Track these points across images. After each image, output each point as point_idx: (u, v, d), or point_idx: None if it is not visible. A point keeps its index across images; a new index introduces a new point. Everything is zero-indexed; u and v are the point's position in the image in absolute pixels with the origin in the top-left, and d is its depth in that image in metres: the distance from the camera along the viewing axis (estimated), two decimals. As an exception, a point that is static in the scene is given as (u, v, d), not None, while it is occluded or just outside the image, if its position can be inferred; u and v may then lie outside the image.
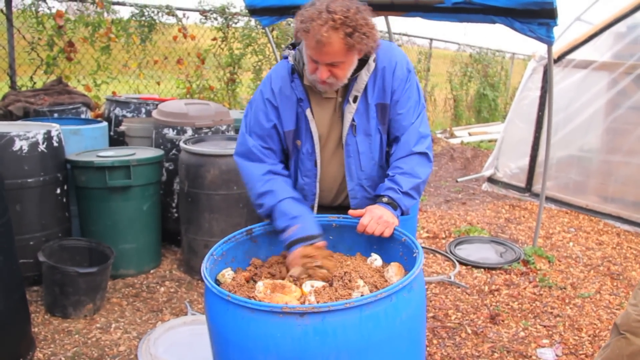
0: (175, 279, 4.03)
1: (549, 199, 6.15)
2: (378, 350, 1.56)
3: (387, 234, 1.94)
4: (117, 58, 6.33)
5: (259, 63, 7.58)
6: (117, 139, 4.87)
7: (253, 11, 5.38)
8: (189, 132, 4.36)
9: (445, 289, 4.02)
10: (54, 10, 5.41)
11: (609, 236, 5.30)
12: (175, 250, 4.55)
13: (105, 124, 4.53)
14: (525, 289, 4.04)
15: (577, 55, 5.99)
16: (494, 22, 3.89)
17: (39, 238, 3.63)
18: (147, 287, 3.89)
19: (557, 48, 5.89)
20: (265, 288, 1.73)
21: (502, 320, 3.55)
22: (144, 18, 6.28)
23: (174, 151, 4.35)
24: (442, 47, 13.93)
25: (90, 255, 3.76)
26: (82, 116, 4.90)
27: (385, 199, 2.03)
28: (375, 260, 1.96)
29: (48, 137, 3.62)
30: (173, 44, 6.85)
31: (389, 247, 2.02)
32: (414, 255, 1.83)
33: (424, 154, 2.12)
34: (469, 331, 3.42)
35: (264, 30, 6.72)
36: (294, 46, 2.18)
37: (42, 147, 3.57)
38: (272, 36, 6.80)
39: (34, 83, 5.45)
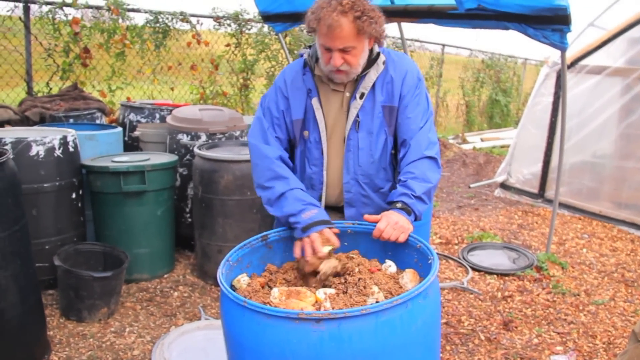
0: (188, 284, 4.06)
1: (562, 205, 6.11)
2: (393, 356, 1.56)
3: (402, 239, 1.95)
4: (131, 64, 6.38)
5: (272, 69, 7.61)
6: (131, 145, 4.91)
7: (266, 17, 5.41)
8: (203, 137, 4.39)
9: (458, 295, 4.01)
10: (70, 17, 5.47)
11: (623, 242, 5.27)
12: (189, 255, 4.58)
13: (120, 129, 4.58)
14: (538, 295, 4.02)
15: (590, 61, 5.97)
16: (507, 28, 3.88)
17: (55, 242, 3.67)
18: (161, 292, 3.92)
19: (571, 54, 5.87)
20: (281, 294, 1.74)
21: (516, 327, 3.54)
22: (158, 24, 6.33)
23: (188, 157, 4.39)
24: (454, 53, 13.91)
25: (105, 260, 3.79)
26: (97, 122, 4.94)
27: (399, 205, 2.04)
28: (390, 266, 1.97)
29: (64, 142, 3.66)
30: (187, 49, 6.89)
31: (403, 253, 2.02)
32: (429, 262, 1.83)
33: (434, 159, 2.16)
34: (482, 337, 3.41)
35: (277, 37, 6.75)
36: (310, 48, 2.29)
37: (58, 152, 3.61)
38: (285, 42, 6.82)
39: (50, 89, 5.51)
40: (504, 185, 7.00)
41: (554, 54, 6.21)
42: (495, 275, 4.37)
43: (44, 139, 3.53)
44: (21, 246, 2.74)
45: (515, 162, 6.84)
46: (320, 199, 2.32)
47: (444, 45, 12.09)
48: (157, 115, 5.00)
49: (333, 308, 1.65)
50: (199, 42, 6.81)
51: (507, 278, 4.33)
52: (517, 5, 3.57)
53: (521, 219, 5.94)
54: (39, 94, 5.34)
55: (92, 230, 4.08)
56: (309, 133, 2.26)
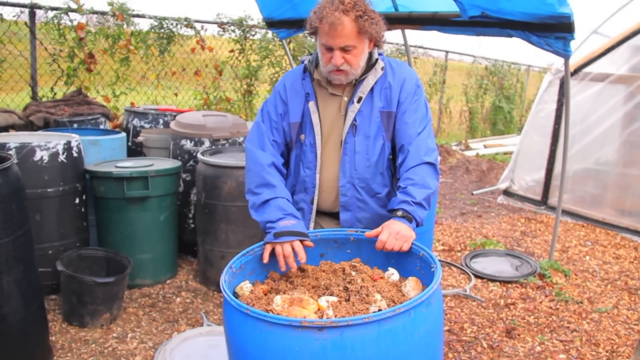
0: (191, 290, 4.06)
1: (565, 212, 6.10)
2: (396, 365, 1.56)
3: (405, 248, 1.96)
4: (135, 69, 6.40)
5: (276, 75, 7.62)
6: (135, 150, 4.92)
7: (271, 24, 5.43)
8: (207, 143, 4.40)
9: (461, 302, 4.00)
10: (75, 23, 5.50)
11: (626, 250, 5.25)
12: (192, 260, 4.58)
13: (123, 134, 4.59)
14: (541, 303, 4.02)
15: (593, 68, 5.97)
16: (510, 35, 3.89)
17: (58, 247, 3.68)
18: (164, 298, 3.92)
19: (574, 61, 5.87)
20: (283, 302, 1.75)
21: (518, 335, 3.53)
22: (162, 30, 6.36)
23: (191, 162, 4.40)
24: (457, 60, 13.92)
25: (108, 265, 3.79)
26: (101, 127, 4.96)
27: (400, 213, 2.05)
28: (393, 274, 1.97)
29: (68, 147, 3.67)
30: (191, 55, 6.92)
31: (406, 261, 2.02)
32: (432, 270, 1.83)
33: (432, 165, 2.18)
34: (485, 345, 3.40)
35: (281, 43, 6.77)
36: (311, 55, 2.34)
37: (62, 157, 3.62)
38: (289, 48, 6.84)
39: (55, 94, 5.54)
40: (506, 192, 6.99)
41: (557, 61, 6.21)
42: (498, 283, 4.36)
43: (48, 144, 3.54)
44: (24, 251, 2.74)
45: (518, 169, 6.83)
46: (312, 202, 2.35)
47: (447, 52, 12.11)
48: (161, 121, 5.02)
49: (335, 316, 1.65)
50: (203, 48, 6.84)
51: (509, 285, 4.32)
52: (521, 13, 3.58)
53: (524, 226, 5.93)
54: (44, 99, 5.36)
55: (95, 235, 4.09)
56: (305, 136, 2.29)
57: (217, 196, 3.90)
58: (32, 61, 5.29)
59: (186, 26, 6.54)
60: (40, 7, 5.21)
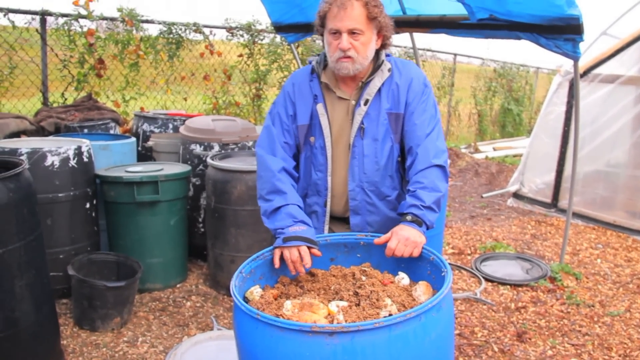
0: (201, 294, 4.07)
1: (576, 215, 6.06)
2: (406, 370, 1.56)
3: (416, 254, 1.95)
4: (145, 74, 6.43)
5: (284, 79, 7.63)
6: (145, 154, 4.94)
7: (279, 28, 5.45)
8: (216, 148, 4.41)
9: (471, 306, 3.99)
10: (85, 29, 5.54)
11: (638, 253, 5.21)
12: (202, 265, 4.59)
13: (133, 139, 4.61)
14: (552, 306, 3.99)
15: (603, 70, 5.94)
16: (519, 38, 3.88)
17: (69, 252, 3.70)
18: (174, 302, 3.93)
19: (583, 63, 5.84)
20: (294, 307, 1.75)
21: (529, 339, 3.51)
22: (171, 35, 6.39)
23: (201, 167, 4.41)
24: (465, 62, 13.90)
25: (118, 269, 3.81)
26: (111, 132, 4.99)
27: (409, 217, 2.03)
28: (403, 279, 1.97)
29: (78, 152, 3.69)
30: (200, 60, 6.95)
31: (416, 265, 2.02)
32: (442, 274, 1.83)
33: (442, 167, 2.15)
34: (496, 349, 3.39)
35: (289, 47, 6.79)
36: (318, 56, 2.32)
37: (72, 162, 3.64)
38: (298, 52, 6.86)
39: (65, 99, 5.58)
40: (516, 195, 6.96)
41: (566, 63, 6.18)
42: (508, 286, 4.34)
43: (58, 149, 3.57)
44: (36, 256, 2.76)
45: (528, 172, 6.80)
46: (325, 205, 2.34)
47: (455, 55, 12.08)
48: (171, 126, 5.04)
49: (346, 321, 1.65)
50: (211, 53, 6.86)
51: (520, 289, 4.30)
52: (529, 16, 3.57)
53: (534, 229, 5.90)
54: (54, 105, 5.40)
55: (106, 239, 4.11)
56: (315, 139, 2.27)
57: (227, 200, 3.91)
58: (43, 67, 5.34)
59: (195, 31, 6.58)
60: (51, 14, 5.26)
